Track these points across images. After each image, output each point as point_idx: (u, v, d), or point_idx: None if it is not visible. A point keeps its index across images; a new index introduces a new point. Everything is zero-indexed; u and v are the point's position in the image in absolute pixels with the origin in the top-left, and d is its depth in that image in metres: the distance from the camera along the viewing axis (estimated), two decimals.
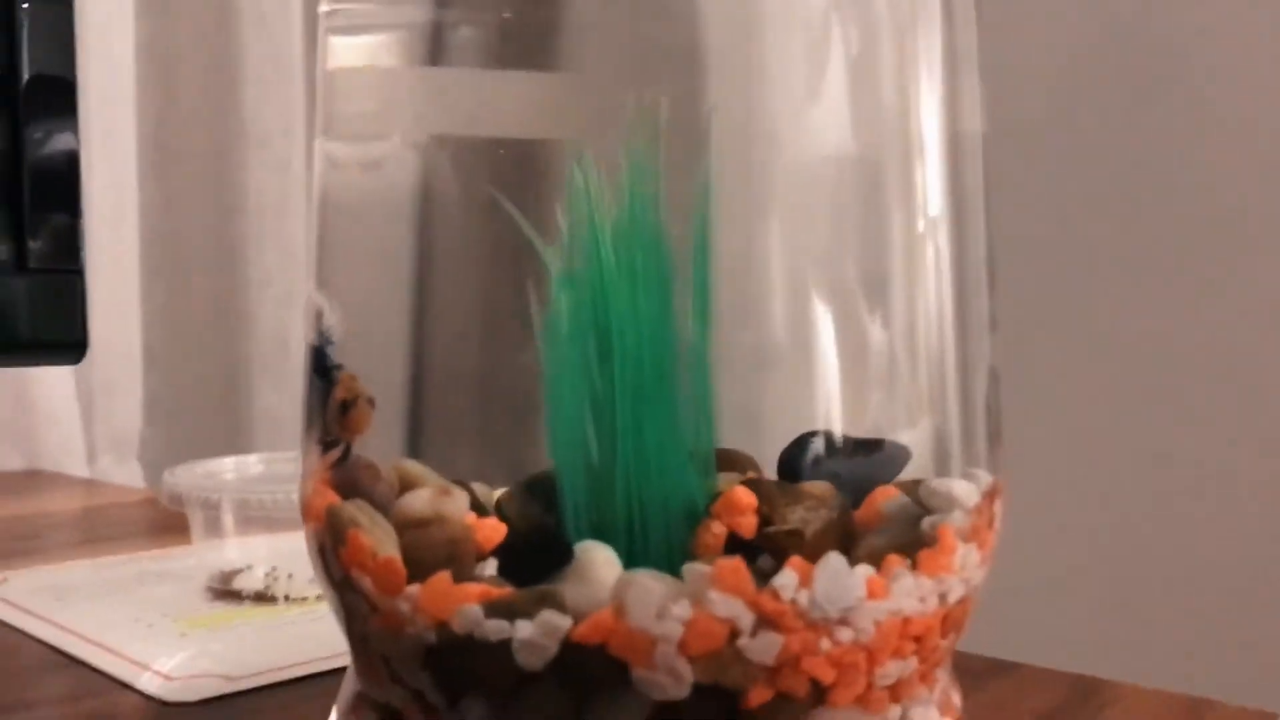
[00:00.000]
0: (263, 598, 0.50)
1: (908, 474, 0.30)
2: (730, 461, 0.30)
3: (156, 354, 0.97)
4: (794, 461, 0.30)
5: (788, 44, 0.30)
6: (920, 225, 0.31)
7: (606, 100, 0.30)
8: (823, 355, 0.29)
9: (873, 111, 0.31)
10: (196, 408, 0.98)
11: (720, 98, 0.30)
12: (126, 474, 0.96)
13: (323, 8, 0.33)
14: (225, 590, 0.50)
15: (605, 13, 0.31)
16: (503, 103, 0.31)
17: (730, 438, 0.30)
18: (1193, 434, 0.66)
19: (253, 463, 0.55)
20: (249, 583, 0.50)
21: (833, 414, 0.29)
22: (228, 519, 0.50)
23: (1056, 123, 0.70)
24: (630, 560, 0.27)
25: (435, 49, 0.32)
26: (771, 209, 0.31)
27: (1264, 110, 0.64)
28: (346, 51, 0.33)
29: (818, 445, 0.29)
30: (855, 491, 0.29)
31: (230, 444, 0.96)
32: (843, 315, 0.29)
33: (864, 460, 0.30)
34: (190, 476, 0.53)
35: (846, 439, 0.30)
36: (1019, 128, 0.69)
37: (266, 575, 0.50)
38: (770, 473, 0.30)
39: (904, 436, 0.30)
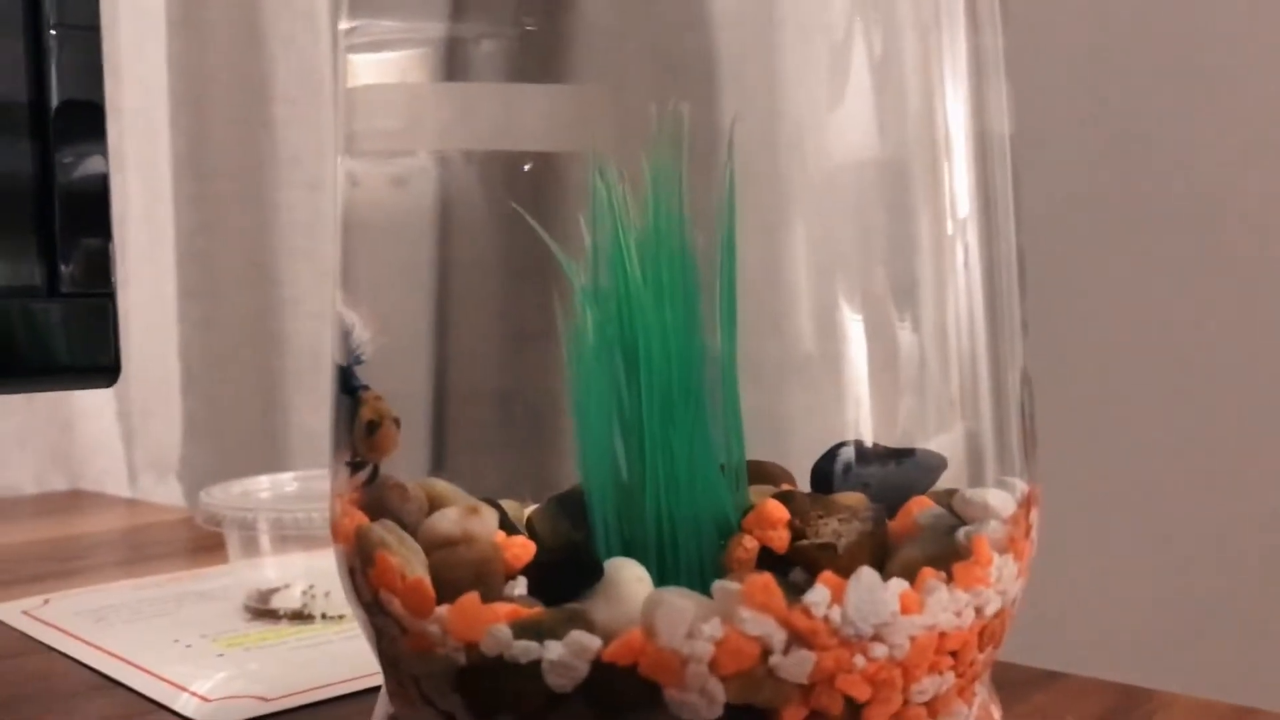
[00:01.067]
0: (300, 616, 0.50)
1: (943, 481, 0.30)
2: (764, 474, 0.30)
3: (194, 373, 0.98)
4: (827, 472, 0.29)
5: (810, 48, 0.30)
6: (949, 227, 0.30)
7: (628, 111, 0.30)
8: (852, 361, 0.29)
9: (898, 114, 0.30)
10: (234, 425, 0.98)
11: (743, 104, 0.30)
12: (166, 492, 0.96)
13: (341, 25, 0.33)
14: (263, 609, 0.51)
15: (623, 22, 0.31)
16: (525, 116, 0.31)
17: (761, 447, 0.29)
18: (1239, 436, 0.65)
19: (287, 480, 0.55)
20: (286, 601, 0.50)
21: (863, 420, 0.29)
22: (263, 538, 0.50)
23: (1088, 123, 0.69)
24: (661, 576, 0.27)
25: (454, 63, 0.32)
26: (796, 214, 0.30)
27: None
28: (366, 69, 0.33)
29: (851, 455, 0.29)
30: (890, 501, 0.29)
31: (268, 459, 0.96)
32: (872, 320, 0.29)
33: (898, 469, 0.30)
34: (226, 496, 0.53)
35: (880, 448, 0.29)
36: (1049, 129, 0.69)
37: (303, 594, 0.50)
38: (804, 484, 0.29)
39: (936, 441, 0.30)
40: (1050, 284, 0.67)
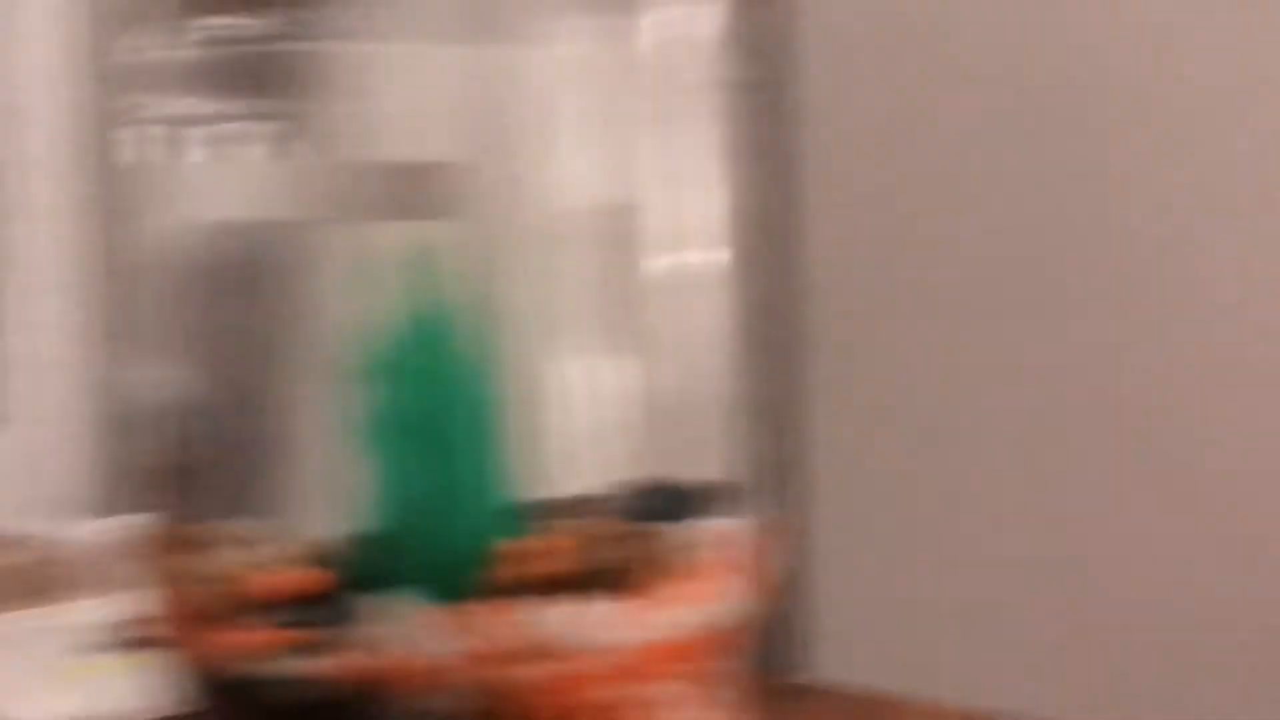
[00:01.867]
0: (133, 646, 0.51)
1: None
2: (547, 507, 0.33)
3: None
4: (598, 503, 0.33)
5: (550, 107, 0.33)
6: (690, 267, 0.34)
7: (395, 179, 0.32)
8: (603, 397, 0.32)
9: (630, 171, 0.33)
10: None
11: (488, 160, 0.32)
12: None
13: (118, 103, 0.35)
14: (100, 642, 0.52)
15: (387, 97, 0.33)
16: (287, 186, 0.33)
17: (540, 479, 0.32)
18: (1070, 447, 0.67)
19: (115, 523, 0.57)
20: (121, 633, 0.52)
21: (626, 451, 0.32)
22: (98, 576, 0.52)
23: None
24: (431, 600, 0.30)
25: (231, 138, 0.33)
26: (542, 260, 0.33)
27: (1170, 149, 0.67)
28: (135, 145, 0.35)
29: (621, 489, 0.32)
30: (651, 529, 0.32)
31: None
32: (606, 356, 0.32)
33: (661, 500, 0.33)
34: (67, 534, 0.54)
35: (649, 482, 0.33)
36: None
37: (129, 625, 0.52)
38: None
39: (689, 471, 0.33)
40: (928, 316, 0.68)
